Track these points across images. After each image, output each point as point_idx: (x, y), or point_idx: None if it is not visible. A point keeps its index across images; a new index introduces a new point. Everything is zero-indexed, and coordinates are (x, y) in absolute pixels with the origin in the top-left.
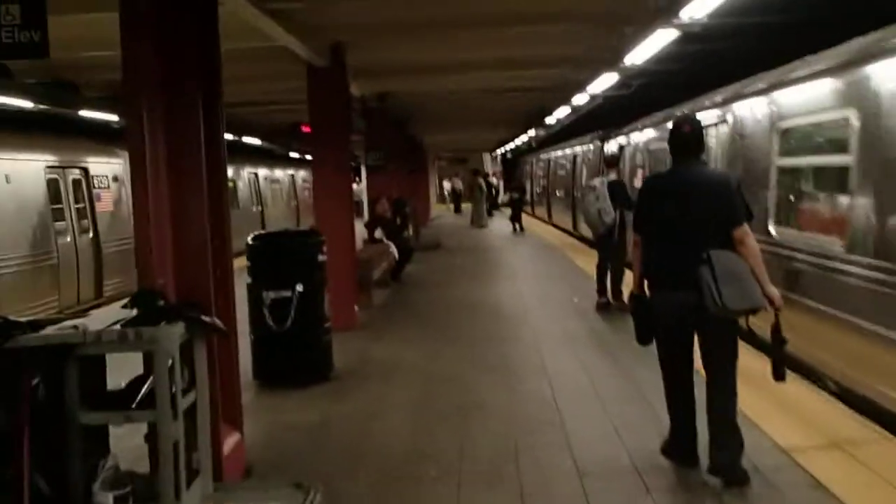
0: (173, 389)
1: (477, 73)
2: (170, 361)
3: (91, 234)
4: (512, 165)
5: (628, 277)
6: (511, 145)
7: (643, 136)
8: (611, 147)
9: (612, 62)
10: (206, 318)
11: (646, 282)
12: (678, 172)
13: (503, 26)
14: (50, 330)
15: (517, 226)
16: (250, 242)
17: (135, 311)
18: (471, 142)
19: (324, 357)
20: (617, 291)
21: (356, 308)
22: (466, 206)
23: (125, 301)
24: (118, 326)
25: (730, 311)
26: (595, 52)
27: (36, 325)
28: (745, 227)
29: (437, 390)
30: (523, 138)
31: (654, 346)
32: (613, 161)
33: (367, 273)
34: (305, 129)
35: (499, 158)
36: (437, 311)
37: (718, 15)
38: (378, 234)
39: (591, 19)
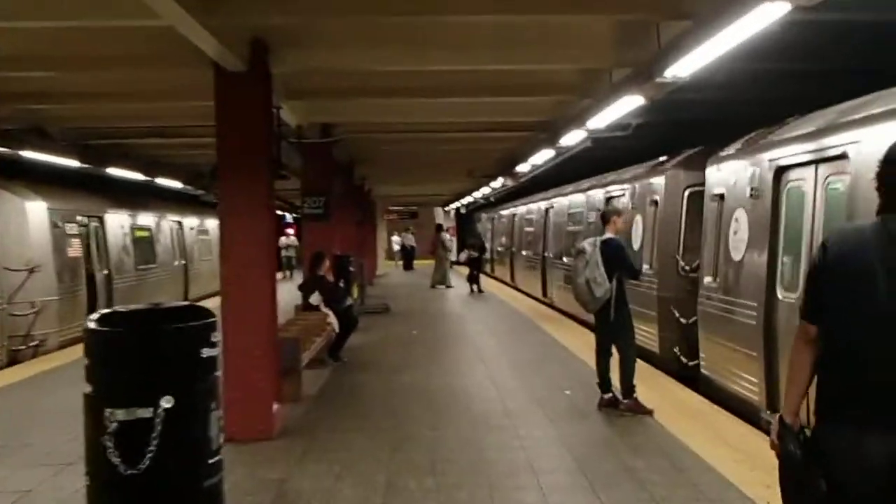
0: None
1: (445, 101)
2: None
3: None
4: (467, 221)
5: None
6: (468, 199)
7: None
8: (594, 199)
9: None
10: None
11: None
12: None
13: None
14: None
15: (475, 287)
16: (91, 327)
17: None
18: (423, 194)
19: None
20: (629, 387)
21: (275, 406)
22: (420, 264)
23: None
24: None
25: None
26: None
27: None
28: None
29: None
30: (484, 190)
31: None
32: (610, 215)
33: (296, 356)
34: None
35: (452, 213)
36: (389, 409)
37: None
38: (315, 299)
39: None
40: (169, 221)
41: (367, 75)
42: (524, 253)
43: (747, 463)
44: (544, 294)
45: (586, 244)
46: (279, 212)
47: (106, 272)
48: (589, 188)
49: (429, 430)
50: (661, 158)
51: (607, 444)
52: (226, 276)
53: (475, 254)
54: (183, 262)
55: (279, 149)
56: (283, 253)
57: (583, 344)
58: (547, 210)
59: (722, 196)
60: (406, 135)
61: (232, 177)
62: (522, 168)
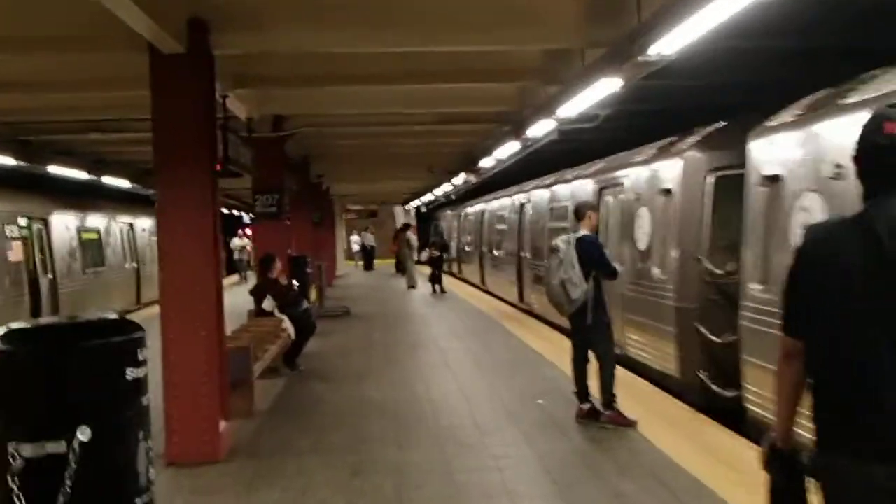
0: None
1: (403, 89)
2: None
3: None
4: (428, 220)
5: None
6: (429, 196)
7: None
8: (581, 190)
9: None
10: None
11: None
12: (879, 218)
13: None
14: None
15: (437, 287)
16: None
17: None
18: (382, 192)
19: None
20: (609, 397)
21: (223, 425)
22: (381, 264)
23: None
24: None
25: None
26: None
27: None
28: None
29: None
30: (446, 188)
31: None
32: (585, 210)
33: (246, 367)
34: None
35: (413, 212)
36: (350, 424)
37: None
38: (268, 304)
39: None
40: (119, 223)
41: (320, 61)
42: (496, 253)
43: (745, 485)
44: (521, 299)
45: (560, 242)
46: (236, 212)
47: (51, 277)
48: (575, 178)
49: (393, 449)
50: (671, 139)
51: (590, 464)
52: (165, 281)
53: (437, 253)
54: (135, 264)
55: (226, 142)
56: (237, 255)
57: (552, 346)
58: (522, 205)
59: (776, 178)
60: (363, 128)
61: (170, 171)
62: (486, 163)
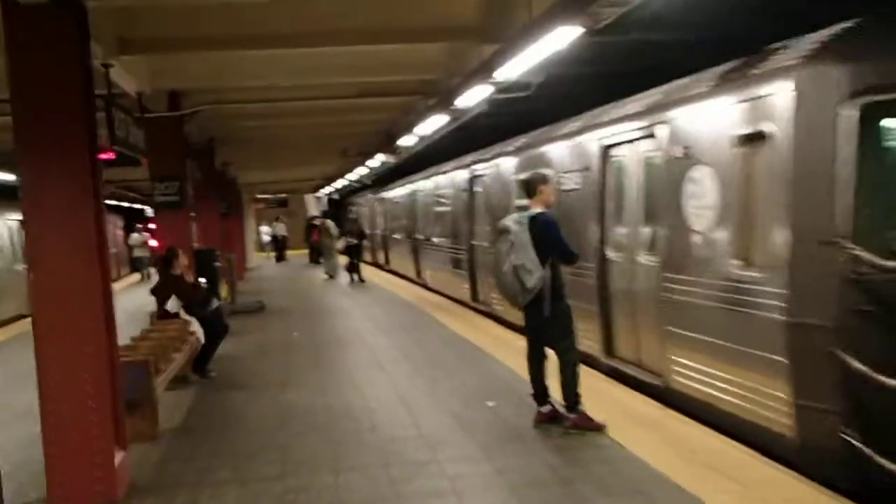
0: None
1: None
2: None
3: None
4: (340, 207)
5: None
6: (341, 182)
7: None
8: (580, 151)
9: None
10: None
11: None
12: None
13: None
14: None
15: (355, 276)
16: None
17: None
18: (292, 179)
19: None
20: (571, 395)
21: (119, 456)
22: (294, 254)
23: None
24: None
25: None
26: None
27: None
28: None
29: None
30: (361, 171)
31: None
32: (536, 184)
33: (146, 383)
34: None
35: (325, 199)
36: (274, 444)
37: None
38: (173, 305)
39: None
40: (6, 220)
41: (219, 18)
42: (435, 241)
43: (744, 496)
44: (474, 297)
45: (510, 222)
46: (138, 205)
47: None
48: (567, 136)
49: (329, 474)
50: (750, 57)
51: (562, 481)
52: (37, 292)
53: (354, 241)
54: (26, 267)
55: (112, 120)
56: (136, 253)
57: (489, 338)
58: (472, 181)
59: None
60: (272, 105)
61: (37, 157)
62: (406, 141)
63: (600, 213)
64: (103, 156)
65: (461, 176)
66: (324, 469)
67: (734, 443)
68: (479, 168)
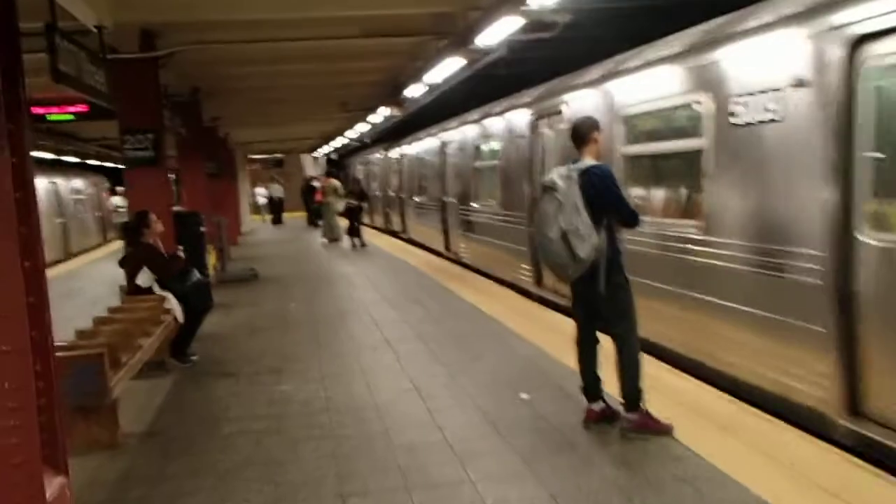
0: None
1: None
2: None
3: None
4: (340, 167)
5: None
6: (340, 141)
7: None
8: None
9: None
10: None
11: None
12: None
13: None
14: None
15: (356, 240)
16: None
17: None
18: (288, 138)
19: None
20: (632, 390)
21: (56, 483)
22: (290, 217)
23: None
24: None
25: None
26: None
27: None
28: None
29: None
30: (362, 128)
31: None
32: (587, 131)
33: (98, 383)
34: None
35: (323, 159)
36: (267, 454)
37: None
38: (144, 279)
39: None
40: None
41: None
42: (475, 206)
43: None
44: (538, 282)
45: (556, 177)
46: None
47: None
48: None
49: (336, 498)
50: None
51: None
52: None
53: (355, 203)
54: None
55: (54, 48)
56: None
57: (511, 310)
58: (535, 123)
59: None
60: (258, 47)
61: None
62: (413, 92)
63: None
64: (74, 108)
65: (520, 119)
66: (327, 496)
67: (831, 447)
68: (553, 103)
